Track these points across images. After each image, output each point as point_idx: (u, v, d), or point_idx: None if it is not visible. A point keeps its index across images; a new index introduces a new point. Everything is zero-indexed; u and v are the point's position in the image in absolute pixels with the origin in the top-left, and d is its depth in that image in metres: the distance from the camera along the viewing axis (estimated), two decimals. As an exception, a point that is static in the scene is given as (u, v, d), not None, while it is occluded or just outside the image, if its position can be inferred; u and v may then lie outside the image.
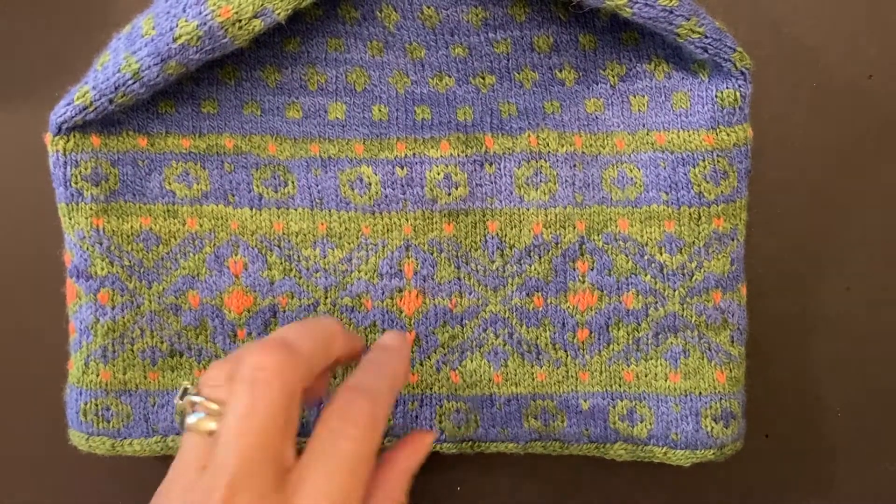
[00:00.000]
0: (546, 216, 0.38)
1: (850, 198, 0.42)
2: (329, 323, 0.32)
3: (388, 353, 0.33)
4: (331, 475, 0.28)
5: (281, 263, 0.39)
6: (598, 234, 0.38)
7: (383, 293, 0.39)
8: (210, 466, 0.28)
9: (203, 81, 0.38)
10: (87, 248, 0.38)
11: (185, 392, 0.30)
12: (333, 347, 0.32)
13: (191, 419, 0.30)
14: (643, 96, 0.38)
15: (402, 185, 0.38)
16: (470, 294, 0.39)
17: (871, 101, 0.41)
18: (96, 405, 0.39)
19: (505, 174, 0.38)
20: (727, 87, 0.36)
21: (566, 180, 0.38)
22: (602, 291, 0.39)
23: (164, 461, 0.41)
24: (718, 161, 0.37)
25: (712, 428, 0.38)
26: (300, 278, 0.39)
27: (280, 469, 0.28)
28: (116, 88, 0.35)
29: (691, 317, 0.38)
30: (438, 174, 0.38)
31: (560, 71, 0.38)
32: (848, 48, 0.41)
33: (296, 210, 0.39)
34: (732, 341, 0.38)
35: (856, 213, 0.42)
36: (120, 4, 0.36)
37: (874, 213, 0.42)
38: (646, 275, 0.38)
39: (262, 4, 0.33)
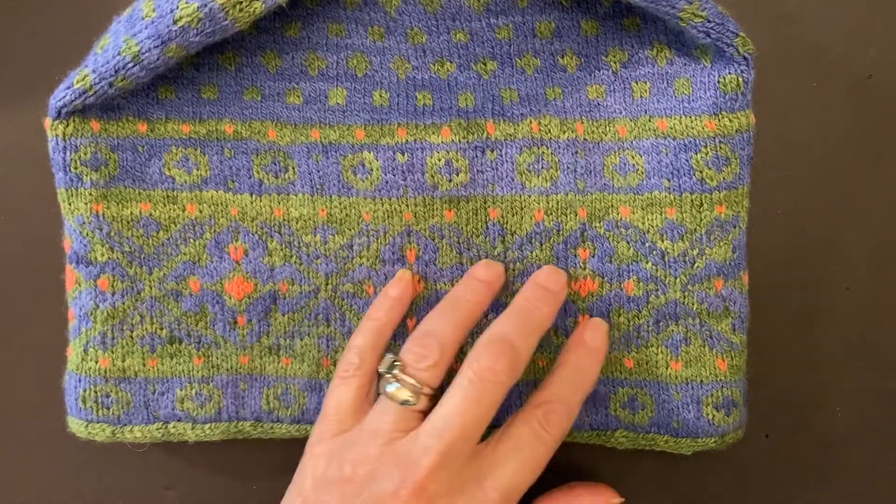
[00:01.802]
0: (547, 203, 0.38)
1: (851, 197, 0.42)
2: (541, 314, 0.36)
3: (581, 359, 0.37)
4: (519, 470, 0.34)
5: (281, 250, 0.39)
6: (600, 221, 0.38)
7: (385, 279, 0.38)
8: (423, 432, 0.34)
9: (203, 67, 0.38)
10: (87, 234, 0.38)
11: (393, 366, 0.35)
12: (543, 332, 0.37)
13: (391, 388, 0.35)
14: (645, 82, 0.37)
15: (403, 172, 0.38)
16: (471, 280, 0.39)
17: (871, 101, 0.41)
18: (96, 392, 0.38)
19: (506, 160, 0.38)
20: (729, 73, 0.36)
21: (568, 167, 0.38)
22: (603, 278, 0.38)
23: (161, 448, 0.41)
24: (721, 147, 0.36)
25: (714, 416, 0.38)
26: (301, 265, 0.39)
27: (475, 444, 0.34)
28: (116, 71, 0.35)
29: (692, 304, 0.38)
30: (439, 160, 0.38)
31: (562, 57, 0.38)
32: (848, 48, 0.41)
33: (296, 196, 0.39)
34: (734, 329, 0.38)
35: (856, 213, 0.42)
36: (120, 4, 0.36)
37: (874, 212, 0.42)
38: (647, 262, 0.38)
39: (263, -14, 0.33)
